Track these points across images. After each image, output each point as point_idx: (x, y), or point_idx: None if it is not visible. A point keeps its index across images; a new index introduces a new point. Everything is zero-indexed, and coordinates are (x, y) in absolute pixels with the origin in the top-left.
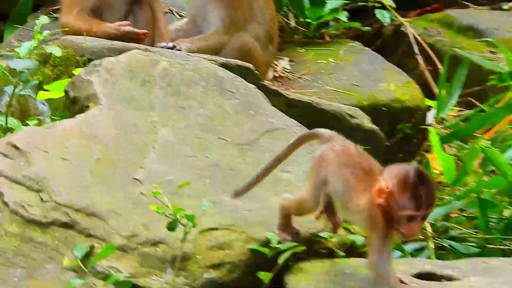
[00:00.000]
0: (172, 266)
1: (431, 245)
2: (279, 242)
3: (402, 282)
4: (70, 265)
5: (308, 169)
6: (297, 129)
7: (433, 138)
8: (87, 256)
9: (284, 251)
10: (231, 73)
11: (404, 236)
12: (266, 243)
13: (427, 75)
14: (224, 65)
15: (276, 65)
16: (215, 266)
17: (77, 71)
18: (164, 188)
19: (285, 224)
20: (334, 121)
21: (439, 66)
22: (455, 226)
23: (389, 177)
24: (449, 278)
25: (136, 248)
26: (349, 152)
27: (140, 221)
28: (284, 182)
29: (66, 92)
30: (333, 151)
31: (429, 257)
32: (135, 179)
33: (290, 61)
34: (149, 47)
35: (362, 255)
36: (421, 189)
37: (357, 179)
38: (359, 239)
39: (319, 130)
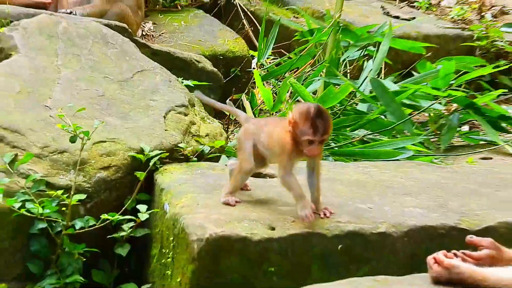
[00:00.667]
0: (74, 168)
1: None
2: (150, 150)
3: None
4: (0, 168)
5: (237, 142)
6: (159, 70)
7: (257, 77)
8: (13, 161)
9: (154, 157)
10: (112, 30)
11: (307, 156)
12: (141, 151)
13: (250, 33)
14: (107, 25)
15: (144, 26)
16: (105, 168)
17: (2, 30)
18: (66, 112)
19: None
20: (185, 65)
21: (259, 27)
22: None
23: (296, 111)
24: (271, 176)
25: (48, 156)
26: (261, 120)
27: (50, 136)
28: (152, 108)
29: None
30: (252, 123)
31: None
32: (46, 106)
33: (153, 23)
34: (53, 13)
35: (208, 159)
36: (318, 120)
37: (271, 129)
38: (206, 148)
39: (240, 113)
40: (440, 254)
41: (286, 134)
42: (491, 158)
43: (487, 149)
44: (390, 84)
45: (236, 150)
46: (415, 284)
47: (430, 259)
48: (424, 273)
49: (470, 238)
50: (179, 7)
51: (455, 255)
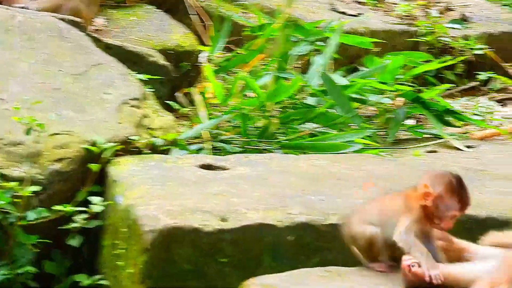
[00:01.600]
0: (28, 160)
1: (208, 146)
2: (104, 143)
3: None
4: None
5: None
6: (114, 63)
7: (208, 71)
8: None
9: (107, 149)
10: (67, 25)
11: (442, 229)
12: (95, 144)
13: (200, 29)
14: (62, 19)
15: (96, 21)
16: (59, 160)
17: None
18: (22, 105)
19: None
20: (138, 59)
21: (209, 22)
22: (224, 132)
23: (436, 183)
24: (223, 168)
25: (3, 148)
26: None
27: (6, 128)
28: (106, 101)
29: None
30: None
31: (207, 154)
32: (1, 99)
33: (106, 19)
34: (9, 7)
35: (161, 152)
36: (464, 193)
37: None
38: (158, 141)
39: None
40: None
41: (414, 203)
42: (436, 152)
43: (432, 142)
44: (339, 79)
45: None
46: (366, 275)
47: (405, 267)
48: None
49: None
50: (131, 2)
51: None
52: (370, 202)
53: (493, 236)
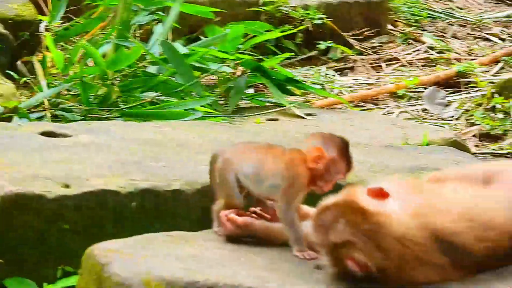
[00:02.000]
0: None
1: (49, 114)
2: None
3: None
4: None
5: (218, 179)
6: None
7: (48, 40)
8: None
9: None
10: None
11: (322, 191)
12: None
13: None
14: None
15: None
16: None
17: None
18: None
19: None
20: None
21: None
22: (65, 101)
23: (330, 146)
24: (65, 135)
25: None
26: (241, 146)
27: None
28: None
29: None
30: (231, 152)
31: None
32: None
33: None
34: None
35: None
36: (350, 157)
37: (262, 157)
38: None
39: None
40: (232, 213)
41: (301, 167)
42: (277, 119)
43: (273, 110)
44: (179, 47)
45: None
46: (209, 239)
47: (223, 216)
48: (216, 228)
49: None
50: None
51: (255, 212)
52: (250, 148)
53: None
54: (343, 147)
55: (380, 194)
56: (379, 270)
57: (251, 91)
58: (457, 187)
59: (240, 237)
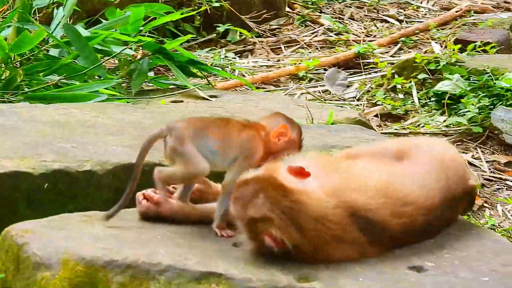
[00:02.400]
0: None
1: None
2: None
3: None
4: None
5: (169, 154)
6: None
7: None
8: None
9: None
10: None
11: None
12: None
13: None
14: None
15: None
16: None
17: None
18: None
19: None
20: None
21: None
22: None
23: (292, 128)
24: None
25: None
26: (196, 121)
27: None
28: None
29: None
30: (185, 127)
31: None
32: None
33: None
34: None
35: None
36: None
37: (227, 132)
38: None
39: (156, 132)
40: (149, 191)
41: (261, 142)
42: (182, 101)
43: (177, 92)
44: (82, 30)
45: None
46: (126, 219)
47: (139, 195)
48: (133, 208)
49: None
50: None
51: (168, 191)
52: (207, 122)
53: None
54: (301, 130)
55: (301, 173)
56: (295, 247)
57: (151, 74)
58: (371, 164)
59: (156, 215)
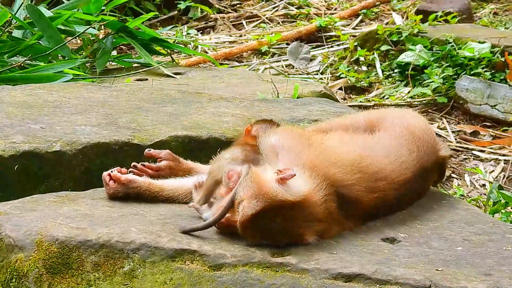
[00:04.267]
0: None
1: None
2: None
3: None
4: None
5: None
6: None
7: None
8: None
9: None
10: None
11: None
12: None
13: None
14: None
15: None
16: None
17: None
18: None
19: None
20: None
21: None
22: None
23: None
24: None
25: None
26: None
27: None
28: None
29: None
30: None
31: None
32: None
33: None
34: None
35: None
36: None
37: None
38: None
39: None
40: (115, 171)
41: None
42: (146, 79)
43: (141, 70)
44: (45, 11)
45: None
46: (97, 198)
47: (105, 176)
48: (103, 188)
49: (148, 151)
50: None
51: (135, 167)
52: None
53: None
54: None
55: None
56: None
57: (114, 53)
58: (344, 138)
59: (125, 195)
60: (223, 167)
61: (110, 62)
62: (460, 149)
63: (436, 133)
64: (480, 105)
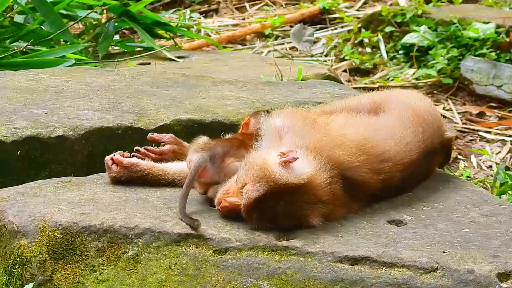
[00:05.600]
0: None
1: None
2: None
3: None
4: None
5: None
6: None
7: None
8: None
9: None
10: None
11: None
12: None
13: None
14: None
15: None
16: None
17: None
18: None
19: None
20: None
21: None
22: None
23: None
24: None
25: None
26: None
27: None
28: None
29: None
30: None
31: None
32: None
33: None
34: None
35: None
36: None
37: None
38: None
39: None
40: (117, 155)
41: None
42: (149, 63)
43: (144, 54)
44: None
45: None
46: (100, 183)
47: (107, 160)
48: (106, 172)
49: (151, 135)
50: None
51: (138, 151)
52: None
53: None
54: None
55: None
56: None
57: (117, 37)
58: (348, 120)
59: (128, 179)
60: (188, 156)
61: (113, 46)
62: (466, 130)
63: (441, 114)
64: (486, 86)
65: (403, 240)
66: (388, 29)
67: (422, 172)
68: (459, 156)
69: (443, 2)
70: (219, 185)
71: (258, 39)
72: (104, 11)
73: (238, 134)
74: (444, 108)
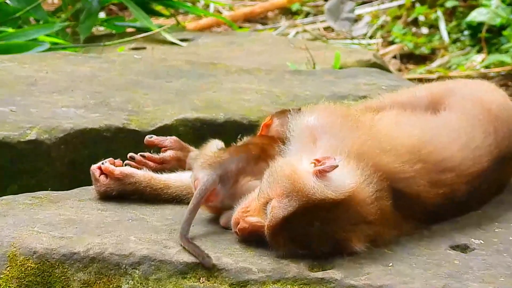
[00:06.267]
0: None
1: None
2: None
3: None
4: None
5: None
6: None
7: None
8: None
9: None
10: None
11: None
12: None
13: None
14: None
15: None
16: None
17: None
18: None
19: None
20: None
21: None
22: None
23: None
24: None
25: None
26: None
27: None
28: None
29: None
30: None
31: None
32: None
33: None
34: None
35: None
36: None
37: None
38: None
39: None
40: (106, 163)
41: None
42: (145, 48)
43: (138, 36)
44: None
45: None
46: (85, 199)
47: (94, 169)
48: (92, 186)
49: (149, 138)
50: None
51: (133, 158)
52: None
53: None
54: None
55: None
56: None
57: (102, 15)
58: (400, 118)
59: (120, 193)
60: (194, 171)
61: (97, 27)
62: None
63: None
64: None
65: (470, 270)
66: (450, 3)
67: (494, 183)
68: None
69: None
70: (232, 211)
71: (284, 17)
72: None
73: (257, 137)
74: None
